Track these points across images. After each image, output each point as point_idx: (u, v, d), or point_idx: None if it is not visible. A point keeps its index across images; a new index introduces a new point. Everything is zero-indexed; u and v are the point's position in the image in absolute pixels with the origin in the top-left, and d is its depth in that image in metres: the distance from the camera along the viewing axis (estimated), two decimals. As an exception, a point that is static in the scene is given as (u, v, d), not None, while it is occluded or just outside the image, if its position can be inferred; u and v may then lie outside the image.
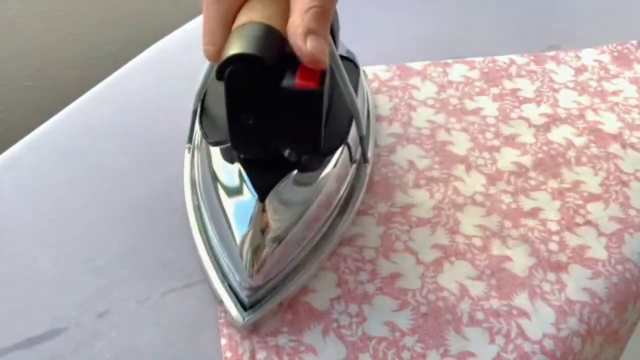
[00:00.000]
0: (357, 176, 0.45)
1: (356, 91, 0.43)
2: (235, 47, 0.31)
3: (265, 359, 0.38)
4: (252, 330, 0.39)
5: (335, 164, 0.41)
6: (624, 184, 0.49)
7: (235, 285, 0.39)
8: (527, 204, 0.47)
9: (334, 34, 0.42)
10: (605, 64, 0.60)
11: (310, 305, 0.41)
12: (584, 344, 0.40)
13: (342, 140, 0.40)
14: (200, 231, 0.43)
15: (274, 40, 0.32)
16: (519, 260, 0.43)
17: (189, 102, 0.54)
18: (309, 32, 0.31)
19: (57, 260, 0.43)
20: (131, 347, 0.39)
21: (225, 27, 0.33)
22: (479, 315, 0.40)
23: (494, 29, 0.64)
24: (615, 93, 0.57)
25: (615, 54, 0.61)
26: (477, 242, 0.44)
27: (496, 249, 0.44)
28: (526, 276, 0.42)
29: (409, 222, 0.46)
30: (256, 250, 0.37)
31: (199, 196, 0.44)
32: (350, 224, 0.45)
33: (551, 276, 0.43)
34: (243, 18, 0.33)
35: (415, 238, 0.45)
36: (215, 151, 0.40)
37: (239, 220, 0.37)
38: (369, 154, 0.47)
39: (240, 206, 0.38)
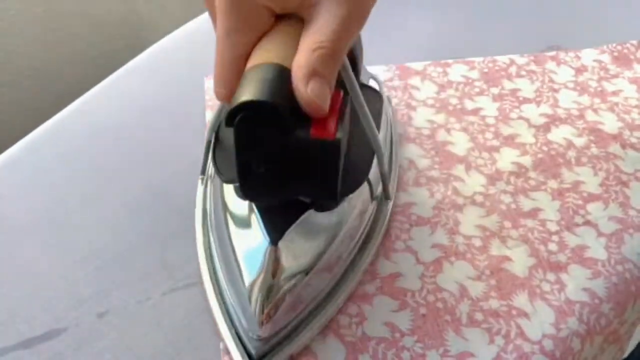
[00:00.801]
0: (378, 213, 0.42)
1: (378, 121, 0.41)
2: (246, 93, 0.28)
3: None
4: None
5: (355, 202, 0.38)
6: (624, 184, 0.49)
7: (242, 334, 0.36)
8: (526, 204, 0.47)
9: (356, 61, 0.39)
10: (605, 64, 0.60)
11: None
12: (583, 344, 0.40)
13: (362, 179, 0.37)
14: (209, 270, 0.40)
15: (289, 83, 0.29)
16: (519, 261, 0.43)
17: (189, 102, 0.54)
18: (312, 74, 0.29)
19: (57, 260, 0.43)
20: (131, 347, 0.39)
21: (238, 68, 0.31)
22: (478, 316, 0.40)
23: (494, 29, 0.64)
24: (615, 93, 0.57)
25: (615, 54, 0.61)
26: (477, 242, 0.44)
27: (496, 249, 0.44)
28: (526, 276, 0.42)
29: (409, 221, 0.46)
30: (266, 297, 0.34)
31: (209, 231, 0.41)
32: (368, 265, 0.41)
33: (551, 276, 0.43)
34: (257, 58, 0.30)
35: (415, 237, 0.45)
36: (229, 186, 0.38)
37: (250, 263, 0.35)
38: (391, 190, 0.44)
39: (251, 248, 0.35)
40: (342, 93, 0.32)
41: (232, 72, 0.31)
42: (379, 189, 0.42)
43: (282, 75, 0.29)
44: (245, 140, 0.30)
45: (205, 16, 0.64)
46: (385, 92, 0.46)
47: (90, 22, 0.83)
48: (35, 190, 0.47)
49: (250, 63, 0.30)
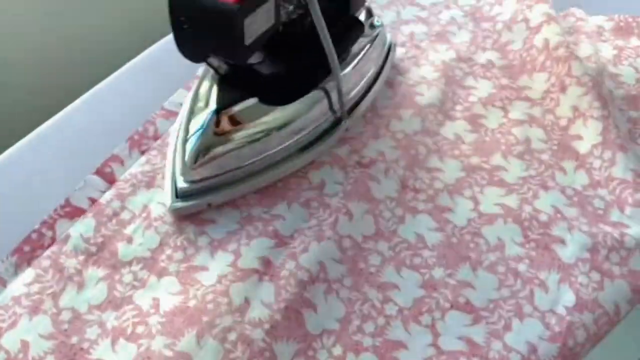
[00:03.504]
0: (332, 126, 0.48)
1: (346, 45, 0.48)
2: None
3: None
4: None
5: (306, 107, 0.45)
6: None
7: (177, 176, 0.44)
8: None
9: None
10: (603, 30, 0.58)
11: None
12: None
13: (310, 87, 0.45)
14: (176, 139, 0.47)
15: None
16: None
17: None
18: None
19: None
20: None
21: None
22: (500, 268, 0.42)
23: None
24: None
25: (622, 23, 0.59)
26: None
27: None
28: (570, 264, 0.42)
29: None
30: (199, 150, 0.42)
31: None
32: (303, 165, 0.47)
33: (595, 275, 0.42)
34: None
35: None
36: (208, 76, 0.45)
37: (198, 126, 0.43)
38: (344, 111, 0.48)
39: (203, 115, 0.43)
40: None
41: None
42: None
43: None
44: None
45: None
46: (379, 31, 0.52)
47: (90, 22, 0.83)
48: (36, 190, 0.47)
49: None
